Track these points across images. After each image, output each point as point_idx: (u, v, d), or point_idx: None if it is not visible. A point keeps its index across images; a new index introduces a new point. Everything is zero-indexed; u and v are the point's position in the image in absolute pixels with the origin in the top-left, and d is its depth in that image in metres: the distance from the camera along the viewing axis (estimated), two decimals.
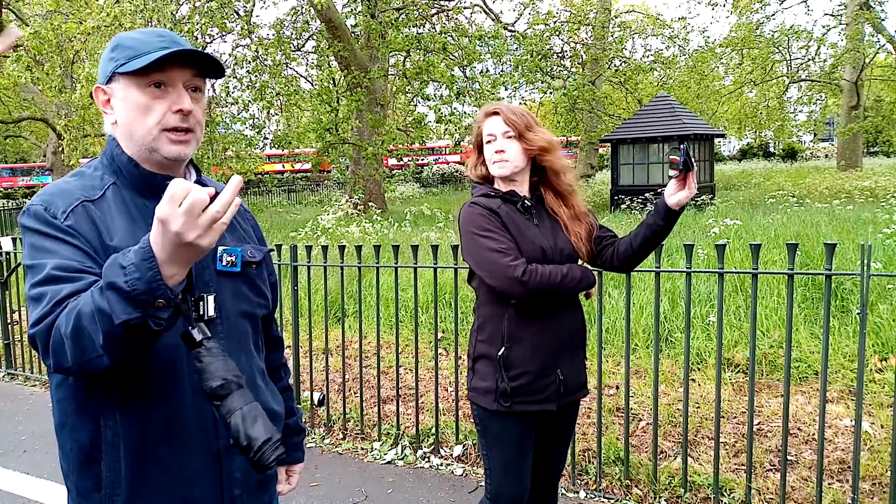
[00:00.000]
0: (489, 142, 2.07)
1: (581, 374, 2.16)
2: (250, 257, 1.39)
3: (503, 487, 2.13)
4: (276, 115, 13.92)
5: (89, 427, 1.24)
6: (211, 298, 1.24)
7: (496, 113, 2.08)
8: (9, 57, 11.67)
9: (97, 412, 1.23)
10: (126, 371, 1.17)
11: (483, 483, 2.26)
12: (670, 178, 1.90)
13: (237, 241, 1.41)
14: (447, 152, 35.87)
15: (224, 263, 1.33)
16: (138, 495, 1.24)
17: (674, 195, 1.92)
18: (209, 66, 1.29)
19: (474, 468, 3.54)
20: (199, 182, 1.36)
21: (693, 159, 1.83)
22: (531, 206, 2.09)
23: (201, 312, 1.23)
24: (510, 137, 2.05)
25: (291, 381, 1.75)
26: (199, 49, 1.26)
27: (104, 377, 1.17)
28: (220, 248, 1.33)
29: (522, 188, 2.11)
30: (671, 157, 1.86)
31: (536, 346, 2.03)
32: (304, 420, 1.68)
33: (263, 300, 1.44)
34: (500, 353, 2.03)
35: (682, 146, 1.83)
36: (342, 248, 4.09)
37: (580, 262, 2.12)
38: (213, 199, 1.00)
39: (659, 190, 15.08)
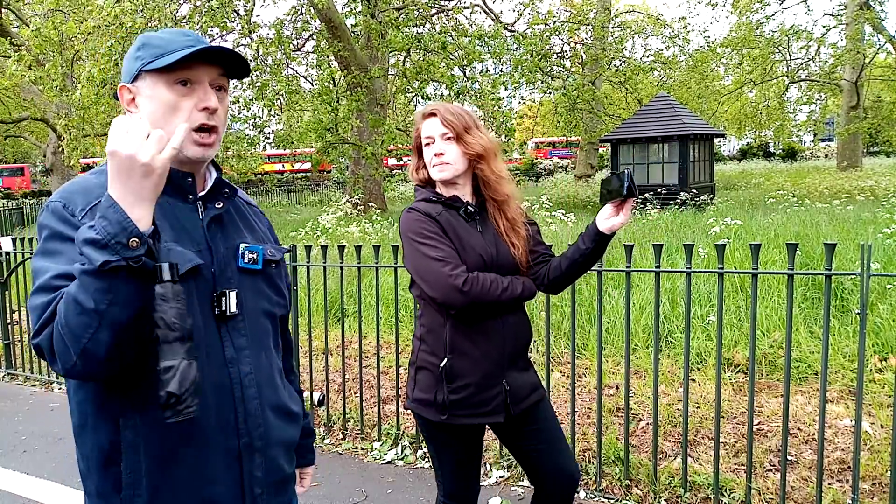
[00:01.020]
0: (427, 144, 2.00)
1: (529, 378, 2.08)
2: (271, 256, 1.40)
3: (455, 488, 2.12)
4: (277, 114, 13.94)
5: (109, 428, 1.23)
6: (233, 294, 1.29)
7: (433, 114, 2.00)
8: (10, 57, 11.68)
9: (117, 413, 1.22)
10: (144, 372, 1.15)
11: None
12: (608, 201, 1.83)
13: (257, 241, 1.41)
14: None
15: (246, 261, 1.34)
16: (159, 496, 1.23)
17: (608, 219, 1.84)
18: (235, 66, 1.30)
19: None
20: (220, 181, 1.37)
21: (636, 187, 1.76)
22: (474, 213, 2.00)
23: (223, 308, 1.28)
24: (449, 139, 1.97)
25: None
26: (219, 45, 1.26)
27: (121, 378, 1.17)
28: (242, 246, 1.34)
29: (465, 192, 2.03)
30: (610, 179, 1.80)
31: (480, 357, 1.95)
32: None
33: (282, 299, 1.45)
34: (442, 365, 1.95)
35: (625, 171, 1.77)
36: (342, 248, 4.09)
37: (521, 271, 2.04)
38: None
39: (659, 190, 15.12)
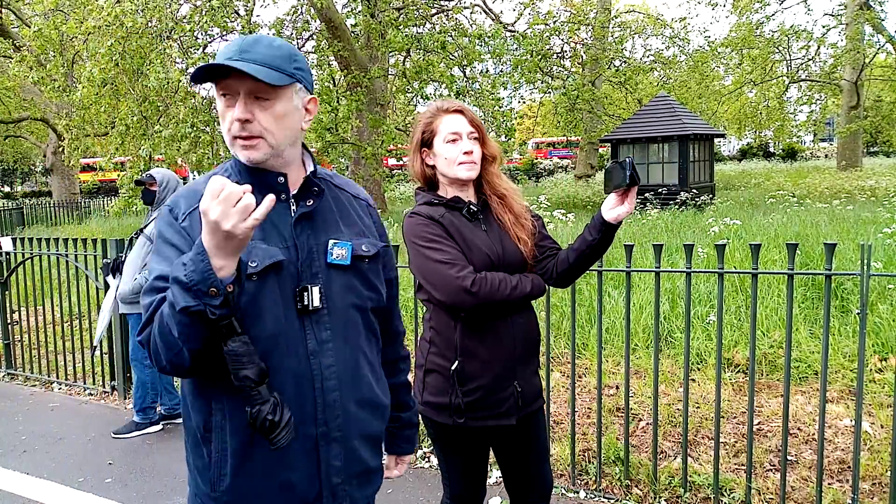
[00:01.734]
0: (454, 140, 1.95)
1: (537, 383, 2.08)
2: (363, 252, 1.44)
3: (461, 491, 2.12)
4: None
5: (203, 410, 1.35)
6: (316, 290, 1.35)
7: (460, 111, 1.97)
8: (12, 58, 11.68)
9: (209, 397, 1.33)
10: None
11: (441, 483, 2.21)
12: (612, 190, 1.82)
13: (355, 235, 1.45)
14: None
15: (335, 256, 1.39)
16: (240, 476, 1.33)
17: (613, 209, 1.83)
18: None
19: None
20: (309, 179, 1.41)
21: (637, 175, 1.76)
22: (477, 212, 2.00)
23: (305, 303, 1.34)
24: (475, 139, 1.97)
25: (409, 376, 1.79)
26: (237, 64, 1.25)
27: (213, 367, 1.27)
28: (331, 242, 1.39)
29: (468, 193, 2.02)
30: (612, 169, 1.80)
31: (491, 359, 1.94)
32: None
33: (375, 294, 1.47)
34: (453, 368, 1.94)
35: (627, 160, 1.76)
36: None
37: (528, 267, 2.03)
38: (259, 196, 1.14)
39: (659, 190, 15.11)
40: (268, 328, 1.29)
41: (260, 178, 1.36)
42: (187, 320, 1.14)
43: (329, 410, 1.36)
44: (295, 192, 1.39)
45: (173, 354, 1.20)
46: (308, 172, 1.42)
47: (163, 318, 1.19)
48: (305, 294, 1.33)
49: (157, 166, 10.36)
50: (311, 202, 1.40)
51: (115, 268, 4.18)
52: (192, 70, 1.34)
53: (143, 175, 4.27)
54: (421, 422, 1.95)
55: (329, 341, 1.36)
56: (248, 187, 1.12)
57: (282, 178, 1.37)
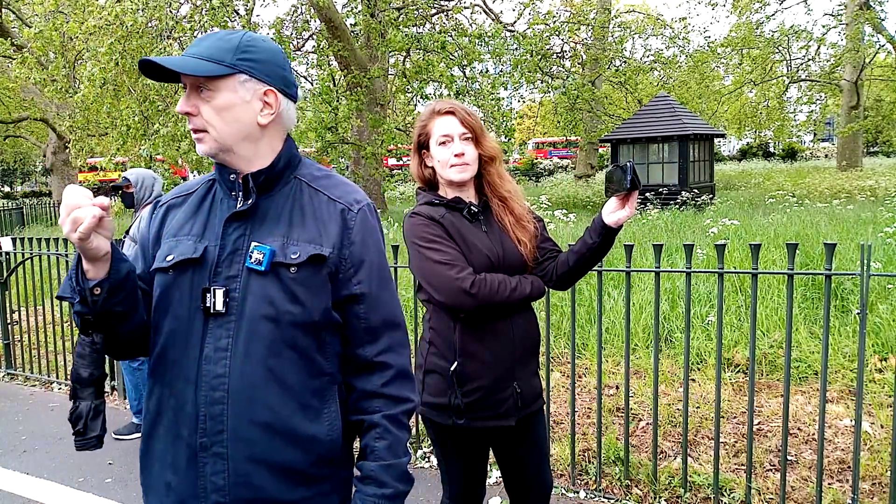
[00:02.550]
0: (444, 143, 1.94)
1: (537, 384, 2.08)
2: (290, 259, 1.27)
3: (461, 492, 2.12)
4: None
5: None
6: (220, 293, 1.27)
7: (451, 112, 1.95)
8: (13, 59, 11.68)
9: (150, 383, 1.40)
10: (150, 350, 1.36)
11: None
12: (611, 193, 1.82)
13: (294, 240, 1.30)
14: None
15: (252, 260, 1.28)
16: (143, 465, 1.39)
17: (613, 213, 1.83)
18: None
19: None
20: (269, 170, 1.39)
21: (638, 179, 1.76)
22: (478, 213, 1.99)
23: (207, 304, 1.27)
24: (467, 139, 1.95)
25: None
26: (172, 59, 1.28)
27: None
28: (253, 244, 1.28)
29: (469, 194, 2.01)
30: (613, 173, 1.79)
31: (491, 359, 1.94)
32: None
33: (297, 308, 1.27)
34: (452, 368, 1.93)
35: (628, 164, 1.76)
36: None
37: (528, 269, 2.03)
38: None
39: (659, 190, 15.11)
40: (170, 323, 1.31)
41: (220, 174, 1.38)
42: (73, 313, 1.25)
43: (210, 422, 1.25)
44: (246, 188, 1.34)
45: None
46: (274, 170, 1.35)
47: None
48: (208, 295, 1.27)
49: (158, 166, 10.36)
50: (251, 200, 1.31)
51: None
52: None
53: (119, 180, 4.27)
54: (421, 422, 1.94)
55: (226, 349, 1.26)
56: (94, 200, 1.16)
57: (233, 176, 1.34)
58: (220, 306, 1.27)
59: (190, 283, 1.29)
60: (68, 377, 5.29)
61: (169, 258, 1.31)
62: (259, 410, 1.26)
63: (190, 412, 1.27)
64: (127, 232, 4.10)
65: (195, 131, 1.32)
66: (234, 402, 1.25)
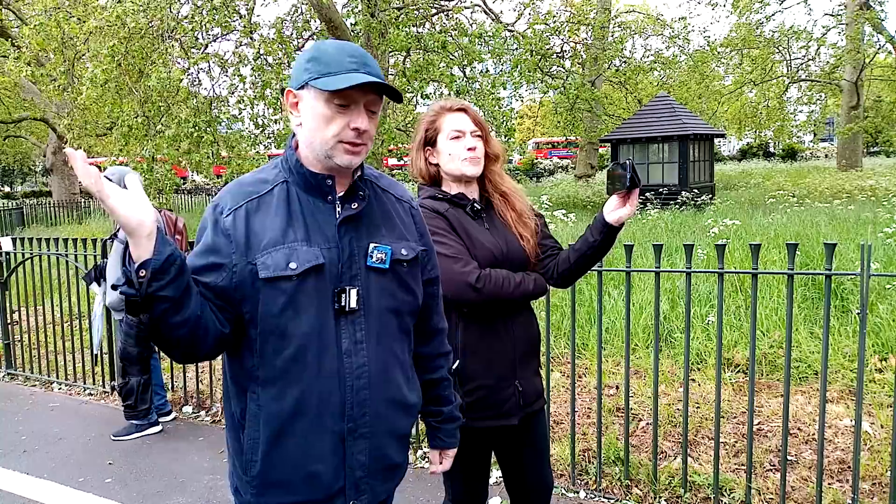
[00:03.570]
0: (457, 137, 1.97)
1: (538, 383, 2.08)
2: (402, 255, 1.47)
3: (463, 493, 2.13)
4: (278, 115, 13.96)
5: (240, 398, 1.43)
6: (353, 292, 1.40)
7: (463, 109, 2.00)
8: (8, 56, 11.67)
9: (245, 385, 1.42)
10: (264, 356, 1.37)
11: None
12: (613, 192, 1.83)
13: (396, 239, 1.48)
14: None
15: (374, 260, 1.43)
16: (270, 464, 1.40)
17: (614, 211, 1.84)
18: (391, 91, 1.39)
19: None
20: (357, 183, 1.45)
21: (638, 177, 1.77)
22: (481, 210, 2.01)
23: (342, 304, 1.39)
24: (477, 136, 1.98)
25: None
26: (383, 81, 1.35)
27: (250, 358, 1.39)
28: (371, 246, 1.43)
29: (472, 191, 2.03)
30: (614, 171, 1.80)
31: (492, 358, 1.94)
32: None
33: (411, 297, 1.50)
34: (454, 367, 1.92)
35: (627, 162, 1.78)
36: None
37: (531, 266, 2.04)
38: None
39: (659, 190, 15.11)
40: (304, 326, 1.36)
41: (307, 179, 1.42)
42: (127, 308, 1.25)
43: (357, 408, 1.41)
44: (342, 193, 1.44)
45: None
46: (356, 175, 1.46)
47: None
48: (343, 296, 1.38)
49: (159, 166, 10.35)
50: (356, 205, 1.44)
51: (99, 275, 4.17)
52: (320, 79, 1.37)
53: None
54: (421, 422, 1.94)
55: (363, 342, 1.41)
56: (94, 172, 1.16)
57: (329, 181, 1.41)
58: (354, 304, 1.40)
59: (315, 286, 1.37)
60: (68, 377, 5.32)
61: (293, 266, 1.34)
62: (391, 389, 1.47)
63: (336, 403, 1.39)
64: (115, 235, 4.07)
65: (359, 145, 1.38)
66: (374, 386, 1.42)
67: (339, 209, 1.43)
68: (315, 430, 1.39)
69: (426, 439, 1.75)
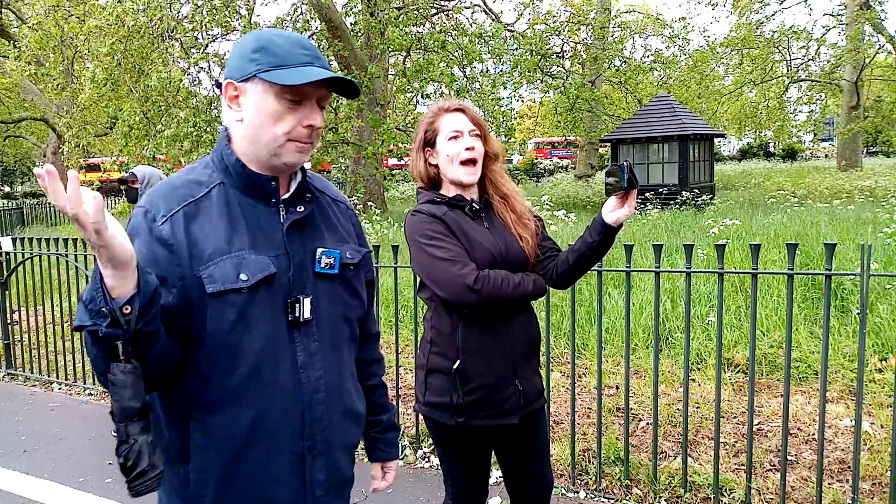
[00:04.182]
0: (455, 137, 1.96)
1: (538, 382, 2.08)
2: (348, 259, 1.40)
3: (463, 492, 2.12)
4: None
5: (179, 427, 1.28)
6: (307, 301, 1.31)
7: (461, 110, 2.00)
8: (9, 56, 11.67)
9: (187, 414, 1.27)
10: (211, 378, 1.24)
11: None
12: (611, 193, 1.83)
13: (338, 242, 1.41)
14: None
15: (322, 266, 1.34)
16: (226, 495, 1.28)
17: (613, 212, 1.84)
18: (342, 86, 1.29)
19: None
20: (303, 185, 1.36)
21: (636, 178, 1.78)
22: (479, 210, 2.00)
23: (297, 314, 1.29)
24: (476, 136, 1.98)
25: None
26: (341, 76, 1.27)
27: (188, 383, 1.25)
28: (320, 251, 1.35)
29: (471, 192, 2.03)
30: (612, 173, 1.81)
31: (492, 358, 1.94)
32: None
33: (359, 301, 1.45)
34: (454, 367, 1.94)
35: (625, 163, 1.78)
36: None
37: (530, 267, 2.04)
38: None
39: (659, 190, 15.11)
40: (258, 341, 1.25)
41: (251, 180, 1.31)
42: (88, 338, 1.08)
43: (316, 424, 1.33)
44: (286, 196, 1.34)
45: (99, 373, 1.14)
46: (298, 179, 1.37)
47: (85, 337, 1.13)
48: (297, 305, 1.29)
49: (160, 165, 10.37)
50: (303, 208, 1.35)
51: None
52: (274, 74, 1.23)
53: (126, 173, 4.31)
54: (422, 422, 1.95)
55: (318, 353, 1.33)
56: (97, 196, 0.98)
57: (274, 183, 1.32)
58: (308, 314, 1.30)
59: (267, 297, 1.27)
60: (68, 377, 5.32)
61: (243, 277, 1.23)
62: (346, 400, 1.40)
63: (295, 420, 1.30)
64: None
65: (308, 143, 1.30)
66: (331, 399, 1.35)
67: (283, 213, 1.32)
68: (273, 452, 1.29)
69: (367, 449, 1.69)
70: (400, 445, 3.79)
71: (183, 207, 1.25)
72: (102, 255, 1.02)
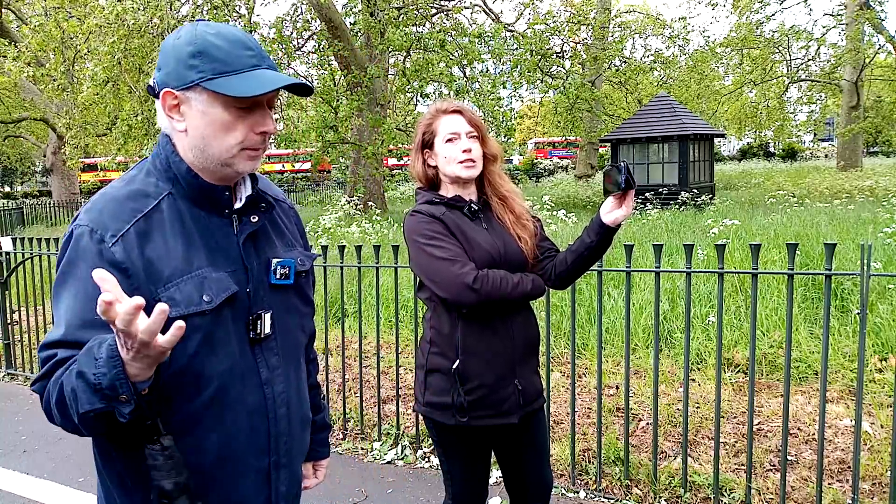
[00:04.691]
0: (452, 139, 1.97)
1: (537, 381, 2.09)
2: (301, 266, 1.35)
3: (463, 492, 2.12)
4: (278, 114, 13.99)
5: (134, 456, 1.17)
6: (268, 316, 1.26)
7: (458, 111, 2.01)
8: (7, 57, 11.68)
9: (144, 443, 1.18)
10: (172, 405, 1.17)
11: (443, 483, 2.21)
12: (608, 194, 1.84)
13: (287, 249, 1.36)
14: None
15: (278, 277, 1.29)
16: None
17: (611, 213, 1.85)
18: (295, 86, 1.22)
19: None
20: (256, 194, 1.30)
21: (633, 179, 1.78)
22: (478, 211, 2.01)
23: (258, 331, 1.24)
24: (473, 138, 1.99)
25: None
26: (294, 80, 1.20)
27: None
28: (275, 261, 1.29)
29: (470, 192, 2.03)
30: (609, 174, 1.81)
31: (492, 357, 1.95)
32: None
33: (310, 308, 1.42)
34: (454, 367, 1.94)
35: (622, 164, 1.78)
36: (342, 248, 4.09)
37: (529, 266, 2.05)
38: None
39: (659, 190, 15.11)
40: (223, 362, 1.20)
41: (204, 191, 1.22)
42: (91, 417, 1.03)
43: (281, 438, 1.30)
44: (238, 206, 1.27)
45: (70, 429, 1.10)
46: (249, 187, 1.30)
47: (62, 394, 1.06)
48: (259, 322, 1.24)
49: None
50: (257, 218, 1.28)
51: None
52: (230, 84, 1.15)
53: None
54: (421, 422, 1.95)
55: (278, 367, 1.29)
56: (140, 301, 0.93)
57: (227, 193, 1.24)
58: (268, 329, 1.26)
59: (231, 315, 1.21)
60: None
61: (206, 299, 1.16)
62: (304, 408, 1.39)
63: (260, 438, 1.27)
64: None
65: (258, 150, 1.22)
66: (292, 411, 1.33)
67: (236, 224, 1.25)
68: (239, 472, 1.25)
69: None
70: (400, 445, 3.80)
71: (133, 224, 1.15)
72: (144, 361, 0.98)
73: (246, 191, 1.29)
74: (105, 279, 0.94)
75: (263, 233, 1.31)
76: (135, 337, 0.94)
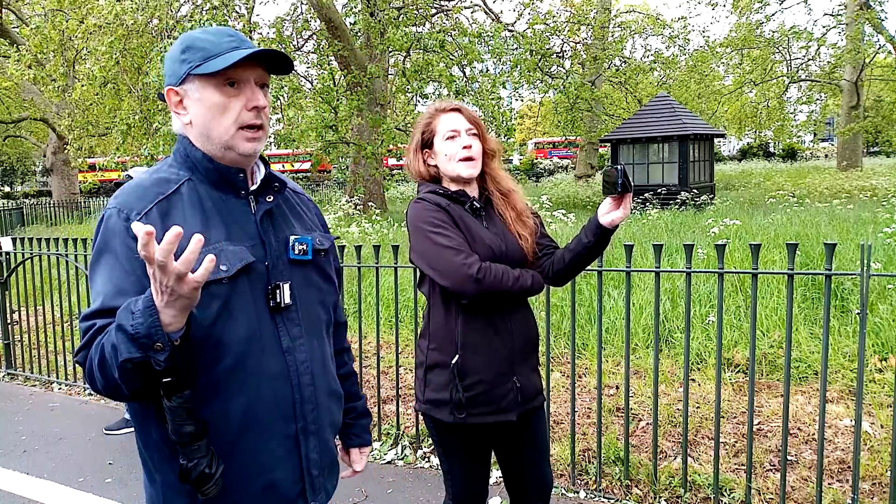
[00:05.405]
0: (452, 137, 1.98)
1: (536, 380, 2.09)
2: (319, 245, 1.44)
3: (463, 491, 2.12)
4: (278, 114, 13.98)
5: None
6: (286, 286, 1.34)
7: (457, 109, 2.02)
8: (10, 57, 11.68)
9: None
10: (201, 367, 1.24)
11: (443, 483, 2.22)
12: (606, 194, 1.85)
13: (306, 231, 1.45)
14: None
15: (296, 252, 1.38)
16: (225, 487, 1.27)
17: (608, 214, 1.86)
18: (277, 63, 1.32)
19: None
20: (269, 175, 1.40)
21: (630, 181, 1.79)
22: (480, 208, 2.02)
23: (278, 300, 1.33)
24: (473, 135, 2.00)
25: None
26: (268, 48, 1.29)
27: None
28: (293, 238, 1.39)
29: (472, 190, 2.05)
30: (607, 176, 1.82)
31: (491, 353, 1.95)
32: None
33: (332, 286, 1.49)
34: (454, 362, 1.95)
35: (619, 166, 1.79)
36: (342, 248, 4.08)
37: (528, 263, 2.06)
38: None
39: (659, 190, 15.11)
40: (243, 330, 1.27)
41: (221, 174, 1.33)
42: (130, 367, 1.10)
43: (306, 405, 1.37)
44: (254, 188, 1.38)
45: (111, 388, 1.18)
46: (263, 170, 1.41)
47: (104, 354, 1.14)
48: (277, 292, 1.32)
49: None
50: (272, 198, 1.39)
51: None
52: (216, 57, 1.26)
53: (123, 176, 4.30)
54: (421, 421, 1.95)
55: (300, 337, 1.36)
56: (178, 230, 1.02)
57: (241, 175, 1.35)
58: (288, 299, 1.33)
59: (248, 285, 1.29)
60: (68, 377, 5.31)
61: (224, 268, 1.25)
62: (330, 381, 1.45)
63: (285, 404, 1.33)
64: None
65: (259, 128, 1.32)
66: (317, 380, 1.39)
67: (253, 204, 1.36)
68: (267, 437, 1.31)
69: (341, 437, 1.70)
70: (400, 446, 3.79)
71: (156, 204, 1.27)
72: (178, 304, 1.06)
73: (259, 174, 1.40)
74: (145, 227, 1.01)
75: (281, 213, 1.41)
76: (171, 272, 1.02)
